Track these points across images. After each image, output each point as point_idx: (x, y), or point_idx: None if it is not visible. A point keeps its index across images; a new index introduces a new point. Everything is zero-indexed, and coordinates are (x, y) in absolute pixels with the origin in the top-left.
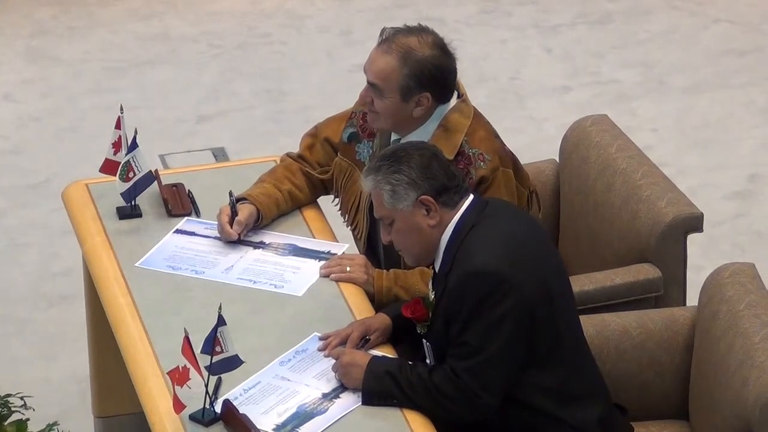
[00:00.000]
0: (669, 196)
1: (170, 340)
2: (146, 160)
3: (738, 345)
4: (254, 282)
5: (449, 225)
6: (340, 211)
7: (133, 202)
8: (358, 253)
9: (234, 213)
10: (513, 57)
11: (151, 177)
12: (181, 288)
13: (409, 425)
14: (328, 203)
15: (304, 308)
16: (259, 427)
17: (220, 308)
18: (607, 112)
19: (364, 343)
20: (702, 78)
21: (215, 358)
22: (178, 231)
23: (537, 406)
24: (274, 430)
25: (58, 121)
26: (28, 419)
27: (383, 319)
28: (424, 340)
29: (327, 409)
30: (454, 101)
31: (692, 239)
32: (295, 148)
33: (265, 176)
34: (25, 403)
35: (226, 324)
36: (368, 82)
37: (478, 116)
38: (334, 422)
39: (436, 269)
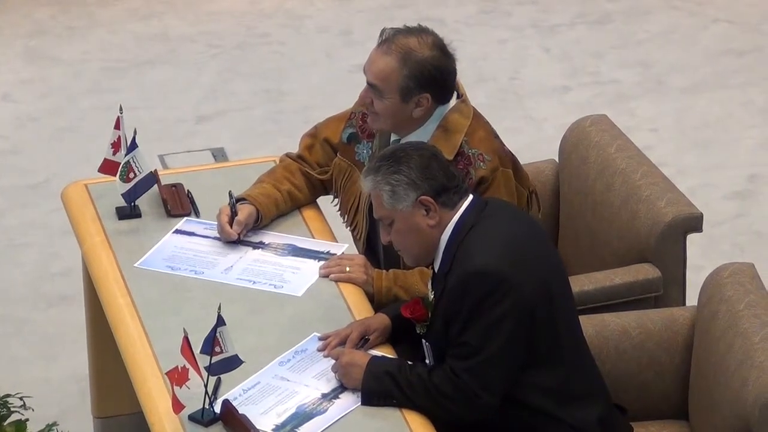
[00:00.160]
0: (668, 196)
1: (169, 341)
2: (146, 161)
3: (737, 345)
4: (254, 282)
5: (449, 225)
6: (339, 212)
7: (133, 203)
8: (358, 253)
9: (234, 213)
10: (512, 57)
11: (152, 178)
12: (181, 288)
13: (409, 425)
14: (328, 203)
15: (304, 308)
16: (258, 427)
17: (219, 308)
18: (607, 112)
19: (363, 343)
20: (701, 78)
21: (215, 359)
22: (177, 231)
23: (537, 406)
24: (273, 430)
25: (58, 121)
26: (27, 419)
27: (382, 319)
28: (423, 341)
29: (326, 410)
30: (453, 102)
31: (692, 239)
32: (295, 149)
33: (264, 176)
34: (24, 403)
35: (225, 324)
36: (368, 83)
37: (477, 116)
38: (333, 422)
39: (436, 269)
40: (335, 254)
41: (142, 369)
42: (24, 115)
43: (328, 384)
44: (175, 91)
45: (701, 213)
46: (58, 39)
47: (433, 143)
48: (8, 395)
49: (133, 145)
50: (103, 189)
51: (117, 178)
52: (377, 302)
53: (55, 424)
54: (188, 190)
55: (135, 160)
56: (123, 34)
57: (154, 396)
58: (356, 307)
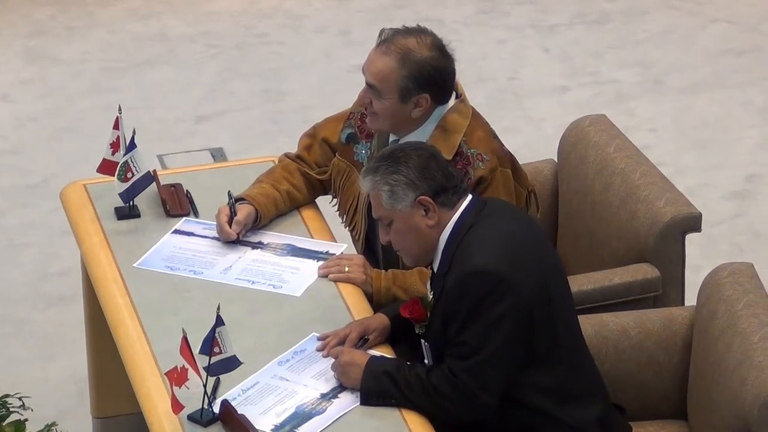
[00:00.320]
0: (667, 195)
1: (169, 341)
2: (144, 161)
3: (736, 345)
4: (253, 282)
5: (448, 225)
6: (338, 212)
7: (131, 203)
8: (356, 253)
9: (233, 213)
10: (511, 57)
11: (150, 177)
12: (180, 288)
13: (408, 425)
14: (327, 203)
15: (303, 308)
16: (257, 427)
17: (218, 308)
18: (606, 112)
19: (362, 343)
20: (700, 78)
21: (214, 359)
22: (176, 231)
23: (535, 405)
24: (272, 430)
25: (57, 121)
26: (26, 420)
27: (382, 319)
28: (422, 341)
29: (325, 410)
30: (452, 102)
31: (691, 239)
32: (293, 149)
33: (263, 176)
34: (23, 403)
35: (224, 324)
36: (367, 83)
37: (476, 116)
38: (332, 422)
39: (435, 269)
40: (334, 254)
41: (141, 369)
42: (23, 115)
43: (327, 384)
44: (175, 91)
45: (700, 213)
46: (58, 39)
47: (431, 143)
48: (7, 395)
49: (131, 145)
50: (102, 189)
51: (115, 177)
52: (376, 302)
53: (54, 424)
54: (187, 190)
55: (133, 160)
56: (122, 34)
57: (153, 396)
58: (355, 307)
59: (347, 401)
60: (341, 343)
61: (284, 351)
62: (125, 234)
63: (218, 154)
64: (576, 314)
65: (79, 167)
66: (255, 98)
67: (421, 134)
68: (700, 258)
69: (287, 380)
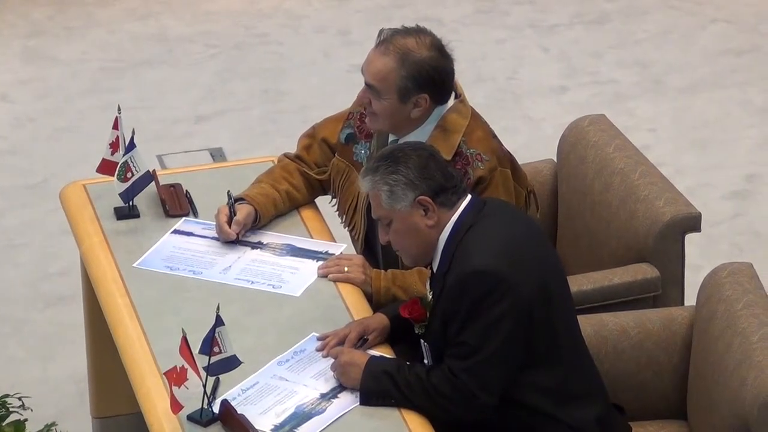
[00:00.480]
0: (667, 195)
1: (168, 341)
2: (144, 161)
3: (736, 344)
4: (252, 282)
5: (447, 225)
6: (337, 212)
7: (130, 203)
8: (356, 253)
9: (232, 213)
10: (510, 57)
11: (149, 177)
12: (179, 288)
13: (407, 425)
14: (326, 203)
15: (302, 308)
16: (257, 427)
17: (218, 308)
18: (605, 111)
19: (362, 343)
20: (699, 78)
21: (213, 359)
22: (175, 231)
23: (535, 405)
24: (272, 430)
25: (56, 121)
26: (26, 420)
27: (381, 319)
28: (421, 341)
29: (325, 410)
30: (451, 102)
31: (690, 239)
32: (293, 149)
33: (262, 176)
34: (23, 403)
35: (224, 324)
36: (366, 84)
37: (475, 116)
38: (332, 422)
39: (434, 269)
40: (334, 254)
41: (141, 369)
42: (22, 115)
43: (326, 384)
44: (174, 91)
45: (700, 213)
46: (56, 39)
47: (431, 143)
48: (7, 395)
49: (131, 145)
50: (101, 189)
51: (115, 177)
52: (376, 302)
53: (53, 424)
54: (187, 190)
55: (133, 160)
56: (121, 34)
57: (153, 396)
58: (355, 307)
59: (347, 401)
60: (341, 343)
61: (284, 351)
62: (125, 234)
63: (217, 154)
64: (576, 314)
65: (79, 167)
66: (254, 98)
67: (421, 134)
68: (700, 258)
69: (287, 380)
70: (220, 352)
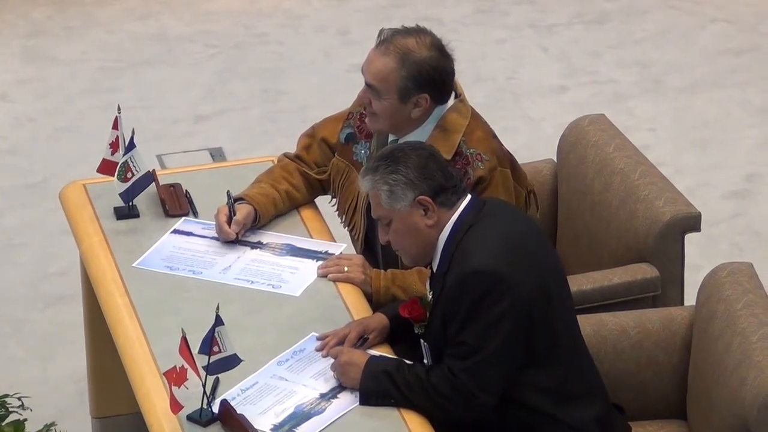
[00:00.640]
0: (667, 195)
1: (168, 341)
2: (144, 161)
3: (736, 344)
4: (252, 282)
5: (447, 225)
6: (337, 212)
7: (130, 203)
8: (356, 253)
9: (232, 213)
10: (510, 57)
11: (150, 177)
12: (179, 288)
13: (407, 425)
14: (326, 203)
15: (302, 308)
16: (256, 427)
17: (217, 308)
18: (605, 111)
19: (362, 343)
20: (699, 77)
21: (213, 358)
22: (175, 231)
23: (535, 405)
24: (271, 430)
25: (55, 121)
26: (25, 419)
27: (381, 319)
28: (421, 340)
29: (324, 409)
30: (451, 101)
31: (690, 239)
32: (293, 149)
33: (262, 176)
34: (22, 403)
35: (223, 324)
36: (366, 84)
37: (475, 116)
38: (331, 422)
39: (434, 269)
40: (333, 254)
41: (141, 369)
42: (22, 115)
43: (326, 384)
44: (173, 91)
45: (699, 212)
46: (56, 39)
47: (431, 143)
48: (6, 395)
49: (131, 145)
50: (101, 189)
51: (115, 177)
52: (375, 302)
53: (53, 424)
54: (186, 190)
55: (133, 160)
56: (120, 34)
57: (153, 396)
58: (354, 307)
59: (346, 401)
60: (340, 343)
61: (283, 351)
62: (124, 234)
63: (217, 154)
64: (575, 314)
65: (78, 167)
66: (254, 98)
67: (421, 134)
68: (700, 258)
69: (286, 380)
70: (221, 352)
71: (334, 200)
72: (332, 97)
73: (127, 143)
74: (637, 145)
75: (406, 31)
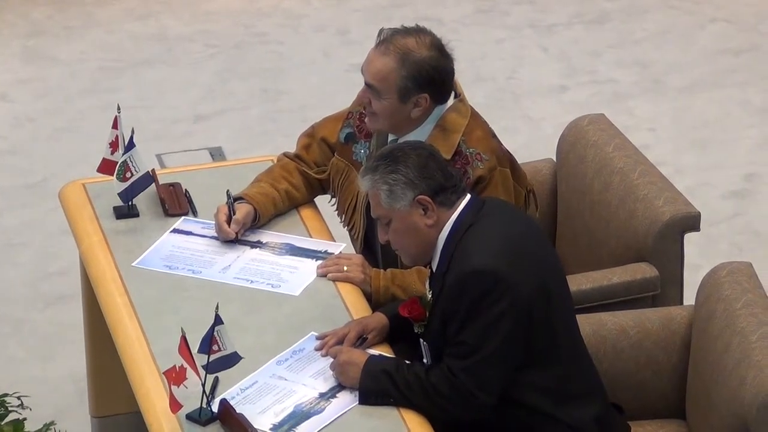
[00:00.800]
0: (666, 195)
1: (167, 340)
2: (143, 161)
3: (735, 344)
4: (251, 281)
5: (446, 225)
6: (336, 211)
7: (130, 202)
8: (355, 252)
9: (232, 212)
10: (510, 57)
11: (149, 178)
12: (179, 288)
13: (406, 424)
14: (326, 203)
15: (301, 308)
16: (256, 426)
17: (217, 308)
18: (604, 111)
19: (361, 342)
20: (699, 77)
21: (213, 357)
22: (175, 230)
23: (534, 405)
24: (271, 429)
25: (55, 121)
26: (25, 419)
27: (380, 319)
28: (421, 340)
29: (324, 409)
30: (451, 101)
31: (689, 238)
32: (292, 148)
33: (261, 176)
34: (22, 402)
35: (223, 323)
36: (366, 84)
37: (475, 116)
38: (330, 422)
39: (434, 269)
40: (333, 253)
41: (140, 368)
42: (22, 114)
43: (325, 383)
44: (173, 91)
45: (699, 212)
46: (56, 39)
47: (430, 143)
48: (6, 395)
49: (130, 145)
50: (100, 188)
51: (114, 177)
52: (375, 301)
53: (52, 423)
54: (186, 190)
55: (132, 160)
56: (120, 34)
57: (152, 395)
58: (354, 307)
59: (346, 400)
60: (340, 342)
61: (283, 350)
62: (124, 233)
63: (217, 154)
64: (575, 314)
65: (78, 167)
66: (254, 98)
67: (420, 134)
68: (699, 257)
69: (286, 379)
70: (220, 350)
71: (334, 200)
72: (332, 97)
73: (126, 143)
74: (636, 144)
75: (405, 31)
